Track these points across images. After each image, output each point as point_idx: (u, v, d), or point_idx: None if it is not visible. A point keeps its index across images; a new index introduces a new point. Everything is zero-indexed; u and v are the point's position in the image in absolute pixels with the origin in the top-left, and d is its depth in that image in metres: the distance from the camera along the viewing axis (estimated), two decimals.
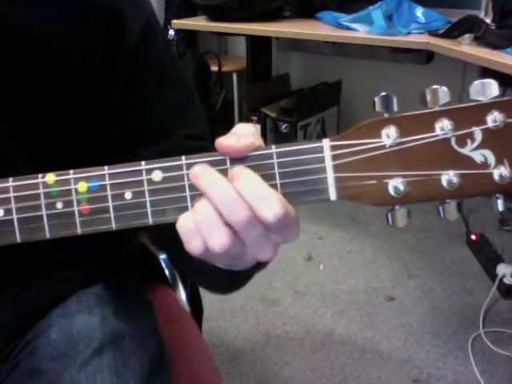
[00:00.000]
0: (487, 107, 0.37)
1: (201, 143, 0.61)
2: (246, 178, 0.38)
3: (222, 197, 0.37)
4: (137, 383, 0.61)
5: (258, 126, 2.42)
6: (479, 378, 1.46)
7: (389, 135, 0.38)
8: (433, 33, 1.85)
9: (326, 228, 2.23)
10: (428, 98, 0.38)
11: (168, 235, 0.44)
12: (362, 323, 1.70)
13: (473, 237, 2.04)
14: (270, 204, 0.37)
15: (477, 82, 0.37)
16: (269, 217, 0.37)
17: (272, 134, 2.46)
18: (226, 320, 1.72)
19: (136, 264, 0.80)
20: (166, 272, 0.89)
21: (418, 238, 2.13)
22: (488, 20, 1.73)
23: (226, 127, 0.41)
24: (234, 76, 2.71)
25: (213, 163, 0.39)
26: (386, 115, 0.38)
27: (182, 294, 0.90)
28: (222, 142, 0.39)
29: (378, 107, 0.38)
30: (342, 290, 1.85)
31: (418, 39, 1.84)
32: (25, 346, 0.65)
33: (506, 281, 1.74)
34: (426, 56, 2.23)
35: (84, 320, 0.65)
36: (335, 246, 2.12)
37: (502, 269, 1.78)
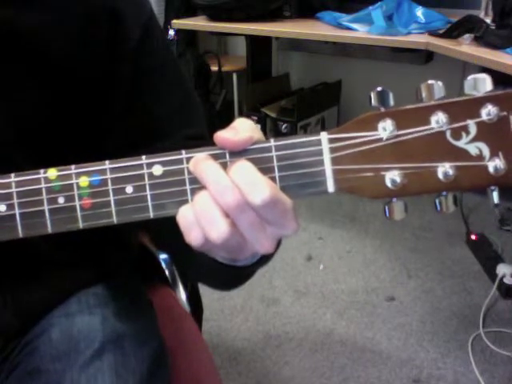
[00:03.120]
0: (481, 101, 0.38)
1: (200, 143, 0.62)
2: (239, 165, 0.38)
3: (214, 181, 0.38)
4: (137, 383, 0.61)
5: (258, 126, 2.42)
6: (479, 378, 1.46)
7: (385, 128, 0.38)
8: (433, 33, 1.86)
9: (325, 228, 2.23)
10: (423, 92, 0.38)
11: (169, 233, 0.44)
12: (362, 323, 1.70)
13: (473, 237, 2.04)
14: (258, 188, 0.37)
15: (470, 77, 0.38)
16: (256, 201, 0.37)
17: (272, 134, 2.47)
18: (226, 320, 1.72)
19: (136, 264, 0.80)
20: (166, 272, 0.89)
21: (418, 237, 2.13)
22: (488, 20, 1.73)
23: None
24: (234, 76, 2.71)
25: (212, 156, 0.40)
26: (383, 109, 0.39)
27: (182, 294, 0.90)
28: (220, 135, 0.39)
29: (374, 102, 0.39)
30: (342, 290, 1.85)
31: (418, 39, 1.85)
32: (25, 346, 0.66)
33: (506, 281, 1.74)
34: (425, 56, 2.23)
35: (84, 320, 0.66)
36: (335, 245, 2.12)
37: (502, 269, 1.78)
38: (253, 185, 0.37)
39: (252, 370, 1.53)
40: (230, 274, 0.49)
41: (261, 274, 1.88)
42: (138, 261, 0.81)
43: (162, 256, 0.88)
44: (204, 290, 0.98)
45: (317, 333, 1.66)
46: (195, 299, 0.94)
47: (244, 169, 0.38)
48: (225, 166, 0.39)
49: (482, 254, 1.96)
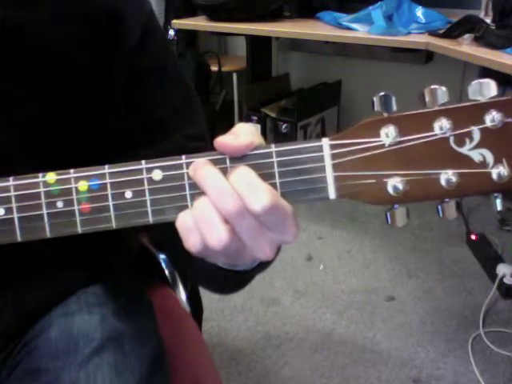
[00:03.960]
0: (485, 107, 0.37)
1: (200, 144, 0.61)
2: (239, 171, 0.38)
3: (214, 187, 0.38)
4: (136, 382, 0.61)
5: (258, 126, 2.42)
6: (479, 378, 1.46)
7: (388, 134, 0.38)
8: (433, 33, 1.86)
9: (325, 228, 2.23)
10: (427, 97, 0.38)
11: (168, 237, 0.44)
12: (362, 323, 1.70)
13: (473, 237, 2.04)
14: (258, 195, 0.37)
15: (475, 82, 0.38)
16: (256, 207, 0.37)
17: (272, 134, 2.46)
18: (226, 320, 1.72)
19: (136, 264, 0.80)
20: (166, 272, 0.89)
21: (418, 237, 2.13)
22: (488, 20, 1.73)
23: (225, 127, 0.41)
24: (234, 76, 2.71)
25: (212, 162, 0.40)
26: (385, 114, 0.38)
27: (182, 294, 0.90)
28: (221, 140, 0.39)
29: (377, 107, 0.38)
30: (342, 290, 1.85)
31: (418, 39, 1.85)
32: (25, 345, 0.66)
33: (506, 281, 1.74)
34: (426, 56, 2.23)
35: (84, 319, 0.65)
36: (335, 245, 2.12)
37: (502, 269, 1.78)
38: (253, 191, 0.37)
39: (252, 370, 1.53)
40: (229, 278, 0.48)
41: (261, 275, 1.86)
42: (138, 261, 0.81)
43: (162, 256, 0.88)
44: (204, 290, 0.98)
45: (317, 333, 1.66)
46: (195, 299, 0.94)
47: (244, 174, 0.38)
48: (225, 171, 0.39)
49: (481, 254, 1.96)
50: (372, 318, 1.71)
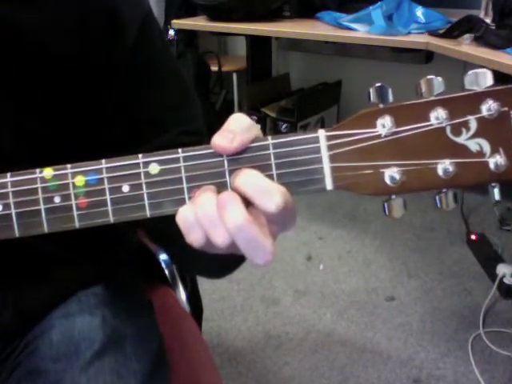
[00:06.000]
0: (482, 96, 0.37)
1: (195, 138, 0.62)
2: (245, 175, 0.38)
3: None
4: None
5: (258, 126, 2.42)
6: (479, 378, 1.46)
7: (384, 125, 0.38)
8: (433, 33, 1.86)
9: (325, 228, 2.23)
10: (423, 88, 0.38)
11: (163, 227, 0.44)
12: (362, 323, 1.69)
13: (473, 237, 2.04)
14: (271, 196, 0.37)
15: (471, 72, 0.38)
16: (271, 208, 0.37)
17: (272, 134, 2.45)
18: (226, 320, 1.72)
19: (136, 264, 0.80)
20: (166, 272, 0.89)
21: (419, 237, 2.13)
22: (488, 20, 1.73)
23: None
24: (234, 76, 2.72)
25: (209, 155, 0.40)
26: (381, 106, 0.38)
27: (182, 294, 0.90)
28: (217, 143, 0.39)
29: (373, 98, 0.38)
30: (342, 290, 1.85)
31: (418, 39, 1.85)
32: (25, 346, 0.66)
33: (506, 281, 1.74)
34: (426, 56, 2.23)
35: (85, 321, 0.66)
36: (335, 245, 2.12)
37: (502, 269, 1.78)
38: (265, 193, 0.37)
39: (252, 370, 1.52)
40: (227, 263, 0.48)
41: (261, 274, 1.88)
42: (138, 261, 0.81)
43: (162, 256, 0.88)
44: (204, 290, 0.98)
45: (317, 333, 1.66)
46: (195, 299, 0.94)
47: (253, 176, 0.38)
48: (222, 164, 0.39)
49: (481, 254, 1.96)
50: (372, 318, 1.71)
